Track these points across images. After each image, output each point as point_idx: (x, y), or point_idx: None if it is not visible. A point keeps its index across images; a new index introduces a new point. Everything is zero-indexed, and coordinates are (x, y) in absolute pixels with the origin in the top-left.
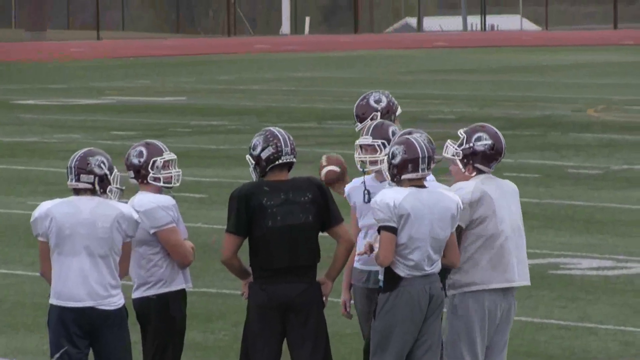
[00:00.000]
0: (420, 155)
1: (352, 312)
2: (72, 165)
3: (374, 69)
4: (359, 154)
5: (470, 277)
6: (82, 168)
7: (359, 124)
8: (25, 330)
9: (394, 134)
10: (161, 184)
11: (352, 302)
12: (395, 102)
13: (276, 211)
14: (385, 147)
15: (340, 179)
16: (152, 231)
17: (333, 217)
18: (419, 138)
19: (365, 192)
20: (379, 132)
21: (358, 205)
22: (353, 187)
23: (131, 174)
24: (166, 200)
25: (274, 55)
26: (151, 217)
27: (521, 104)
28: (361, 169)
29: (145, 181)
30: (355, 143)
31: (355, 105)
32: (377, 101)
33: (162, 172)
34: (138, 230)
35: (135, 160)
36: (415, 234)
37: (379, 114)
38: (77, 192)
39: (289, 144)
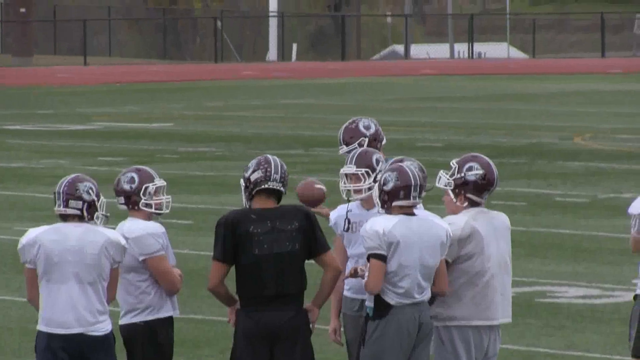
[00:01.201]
0: (413, 183)
1: (342, 340)
2: (61, 190)
3: (361, 96)
4: (343, 183)
5: (452, 312)
6: (71, 194)
7: (344, 146)
8: (12, 356)
9: (377, 161)
10: (152, 210)
11: (341, 329)
12: (381, 131)
13: (263, 239)
14: (369, 175)
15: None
16: (141, 258)
17: (320, 245)
18: (411, 166)
19: (346, 220)
20: (363, 160)
21: (345, 234)
22: (339, 216)
23: (121, 199)
24: (156, 227)
25: (261, 82)
26: (141, 244)
27: (508, 131)
28: (346, 198)
29: (136, 207)
30: (340, 172)
31: (343, 128)
32: (367, 127)
33: (153, 198)
34: (127, 257)
35: (126, 186)
36: (405, 261)
37: (367, 139)
38: (65, 218)
39: (279, 172)
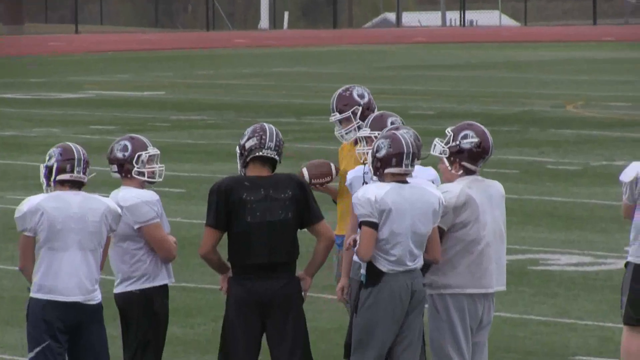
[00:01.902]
0: (405, 151)
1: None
2: (83, 158)
3: (352, 64)
4: (360, 146)
5: (447, 280)
6: (88, 162)
7: (337, 114)
8: (5, 325)
9: (392, 124)
10: (145, 178)
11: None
12: (374, 102)
13: (256, 207)
14: None
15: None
16: (136, 226)
17: (313, 214)
18: (405, 134)
19: (363, 183)
20: (378, 124)
21: None
22: (355, 177)
23: (114, 167)
24: (150, 195)
25: (252, 50)
26: (136, 212)
27: (500, 99)
28: (362, 161)
29: (129, 175)
30: (357, 135)
31: (337, 95)
32: (361, 96)
33: (146, 166)
34: (122, 226)
35: (119, 154)
36: (397, 229)
37: (360, 108)
38: (72, 185)
39: (274, 140)
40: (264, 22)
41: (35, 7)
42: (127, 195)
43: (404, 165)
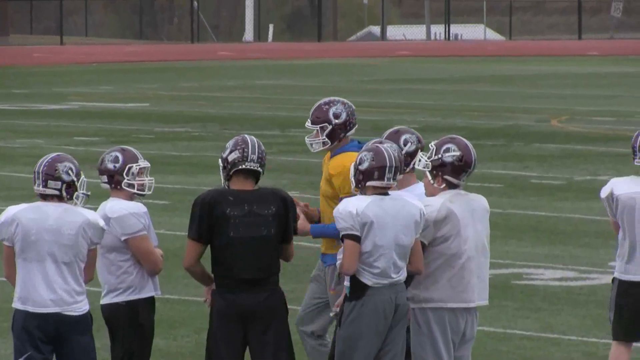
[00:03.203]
0: (388, 164)
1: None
2: (40, 170)
3: (337, 77)
4: None
5: (429, 294)
6: (50, 174)
7: (309, 122)
8: None
9: (406, 142)
10: (135, 190)
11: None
12: (354, 121)
13: (239, 222)
14: None
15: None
16: (123, 238)
17: (288, 232)
18: (389, 148)
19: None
20: (393, 140)
21: None
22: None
23: (104, 178)
24: (138, 207)
25: (237, 63)
26: (123, 224)
27: (485, 114)
28: None
29: (119, 187)
30: None
31: (317, 105)
32: (336, 115)
33: (136, 179)
34: (109, 237)
35: (110, 165)
36: (380, 241)
37: (331, 126)
38: (44, 197)
39: (256, 152)
40: (249, 34)
41: (21, 18)
42: (115, 206)
43: (385, 179)
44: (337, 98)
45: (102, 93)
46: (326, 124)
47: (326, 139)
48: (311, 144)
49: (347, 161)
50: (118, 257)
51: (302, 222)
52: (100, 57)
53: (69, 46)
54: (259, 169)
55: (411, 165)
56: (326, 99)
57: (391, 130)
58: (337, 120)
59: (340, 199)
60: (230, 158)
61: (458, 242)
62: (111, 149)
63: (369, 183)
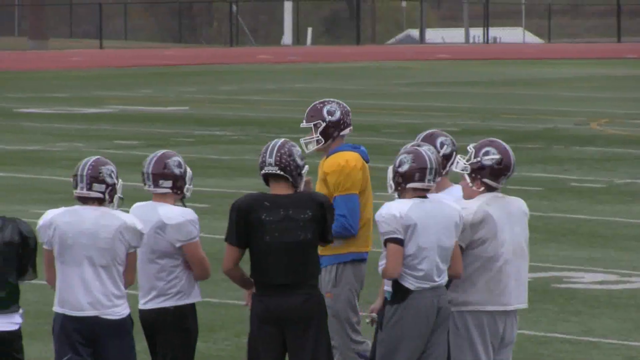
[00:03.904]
0: (428, 166)
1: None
2: (84, 173)
3: (375, 81)
4: None
5: (466, 297)
6: (95, 177)
7: (304, 121)
8: (29, 338)
9: (442, 145)
10: (189, 195)
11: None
12: (348, 121)
13: (275, 227)
14: None
15: None
16: (178, 244)
17: (327, 235)
18: (428, 150)
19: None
20: (428, 143)
21: None
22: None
23: (165, 183)
24: (192, 213)
25: (275, 66)
26: (180, 230)
27: (524, 117)
28: None
29: (178, 192)
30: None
31: (312, 104)
32: (330, 113)
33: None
34: (162, 243)
35: (176, 170)
36: (423, 243)
37: (325, 124)
38: (84, 201)
39: (273, 156)
40: (287, 38)
41: (60, 22)
42: (171, 213)
43: (426, 181)
44: (332, 99)
45: (141, 96)
46: (320, 121)
47: (320, 137)
48: (306, 144)
49: (342, 160)
50: (170, 263)
51: None
52: (139, 61)
53: (108, 50)
54: (279, 172)
55: (447, 168)
56: (321, 100)
57: (426, 133)
58: (331, 118)
59: (334, 199)
60: (259, 163)
61: (495, 245)
62: (165, 151)
63: (409, 185)
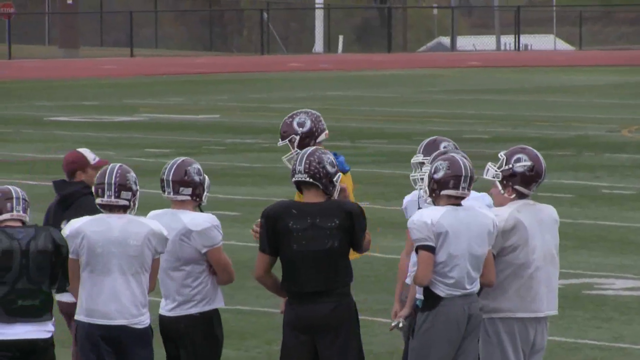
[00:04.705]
0: (463, 174)
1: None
2: (112, 182)
3: (407, 88)
4: (414, 172)
5: (497, 304)
6: (123, 185)
7: (280, 140)
8: (60, 346)
9: (445, 149)
10: (205, 202)
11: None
12: (321, 127)
13: (301, 235)
14: None
15: None
16: (204, 250)
17: (359, 243)
18: (463, 158)
19: (419, 209)
20: (431, 149)
21: None
22: (410, 202)
23: (185, 190)
24: (215, 219)
25: (307, 74)
26: (206, 236)
27: (555, 124)
28: (415, 187)
29: (198, 199)
30: (411, 161)
31: (283, 121)
32: (300, 124)
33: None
34: (188, 249)
35: (196, 178)
36: (454, 251)
37: (298, 137)
38: (111, 209)
39: (303, 164)
40: (319, 45)
41: (91, 30)
42: (197, 219)
43: (460, 188)
44: (300, 110)
45: (172, 105)
46: (293, 135)
47: (298, 150)
48: (289, 160)
49: None
50: (196, 269)
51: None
52: (170, 69)
53: (139, 58)
54: (308, 179)
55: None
56: (290, 114)
57: (428, 140)
58: (302, 129)
59: None
60: (291, 171)
61: (526, 252)
62: (184, 159)
63: (443, 192)
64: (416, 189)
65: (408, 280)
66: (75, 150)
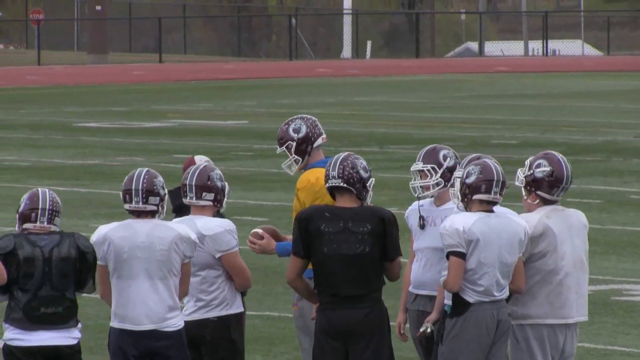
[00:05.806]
0: (495, 179)
1: (407, 334)
2: (140, 187)
3: (435, 94)
4: (413, 180)
5: (526, 310)
6: (150, 190)
7: (278, 147)
8: (89, 353)
9: (445, 158)
10: (223, 209)
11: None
12: (318, 132)
13: (333, 239)
14: (435, 172)
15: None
16: (218, 255)
17: (390, 251)
18: (495, 163)
19: (420, 218)
20: (430, 157)
21: (413, 228)
22: (412, 210)
23: (208, 195)
24: (230, 223)
25: (335, 80)
26: (219, 241)
27: (583, 129)
28: (415, 195)
29: (218, 205)
30: (411, 169)
31: (279, 129)
32: (296, 130)
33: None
34: (202, 255)
35: (219, 183)
36: (484, 259)
37: (294, 143)
38: (139, 214)
39: (336, 169)
40: (347, 51)
41: (120, 36)
42: (210, 224)
43: (492, 193)
44: (295, 116)
45: (200, 110)
46: (289, 141)
47: (296, 157)
48: (289, 167)
49: (312, 177)
50: (212, 274)
51: (266, 241)
52: (198, 75)
53: (168, 64)
54: (342, 184)
55: (452, 180)
56: (286, 120)
57: (428, 148)
58: (298, 135)
59: None
60: (324, 177)
61: (555, 258)
62: (203, 165)
63: (475, 197)
64: (415, 197)
65: (411, 289)
66: (191, 156)
